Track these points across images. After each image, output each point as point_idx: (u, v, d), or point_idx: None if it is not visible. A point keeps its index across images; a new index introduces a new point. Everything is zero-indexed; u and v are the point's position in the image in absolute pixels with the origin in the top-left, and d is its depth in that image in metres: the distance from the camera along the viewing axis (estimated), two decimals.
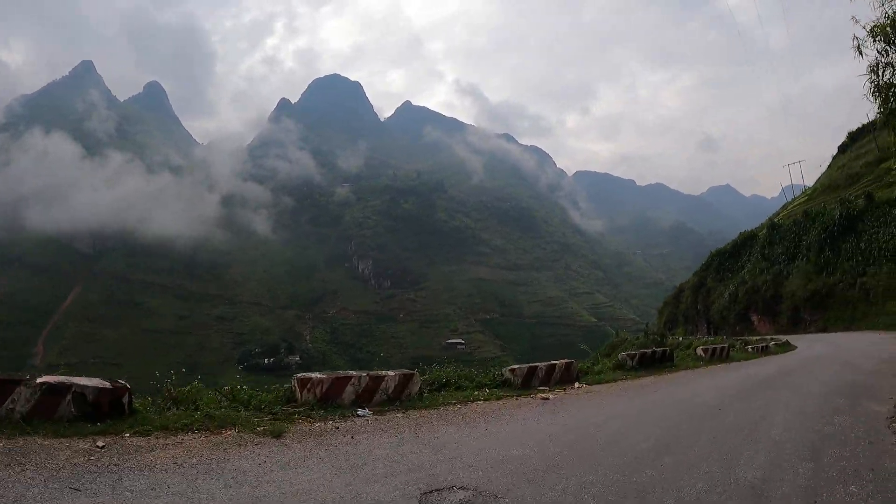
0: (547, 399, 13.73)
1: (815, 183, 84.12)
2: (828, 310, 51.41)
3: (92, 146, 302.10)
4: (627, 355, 21.28)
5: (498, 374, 15.96)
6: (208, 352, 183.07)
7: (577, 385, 16.33)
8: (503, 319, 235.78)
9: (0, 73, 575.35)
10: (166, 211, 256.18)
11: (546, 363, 16.80)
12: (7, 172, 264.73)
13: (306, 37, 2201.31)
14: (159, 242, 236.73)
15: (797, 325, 54.17)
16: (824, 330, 48.52)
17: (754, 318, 62.80)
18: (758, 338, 41.99)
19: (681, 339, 58.41)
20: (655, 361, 21.80)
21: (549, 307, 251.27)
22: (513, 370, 15.71)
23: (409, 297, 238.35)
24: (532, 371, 15.91)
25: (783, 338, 38.21)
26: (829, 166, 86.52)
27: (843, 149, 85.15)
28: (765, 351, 30.33)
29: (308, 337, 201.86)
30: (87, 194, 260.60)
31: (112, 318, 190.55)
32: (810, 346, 34.10)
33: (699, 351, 25.38)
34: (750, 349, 30.43)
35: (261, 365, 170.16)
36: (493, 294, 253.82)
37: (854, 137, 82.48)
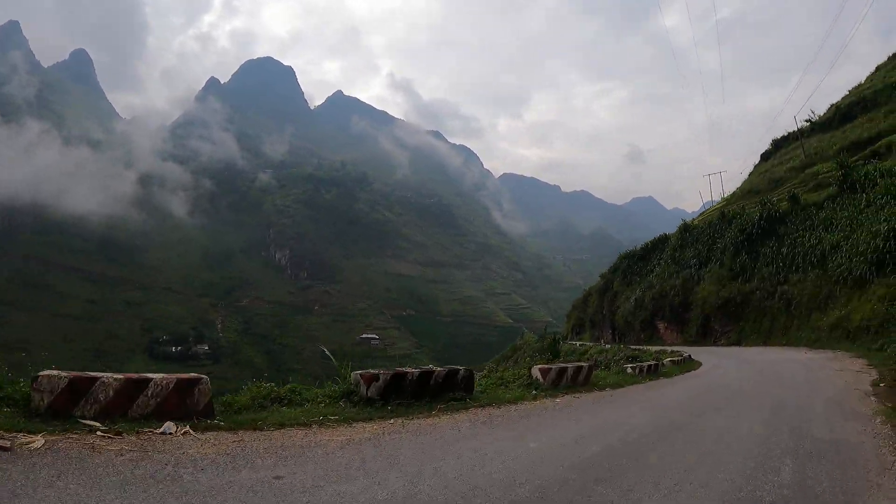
0: None
1: (736, 189, 77.90)
2: (742, 320, 45.61)
3: (9, 112, 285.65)
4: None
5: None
6: (117, 339, 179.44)
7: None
8: (419, 316, 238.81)
9: None
10: (82, 187, 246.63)
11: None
12: None
13: (244, 17, 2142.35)
14: (73, 220, 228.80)
15: (707, 336, 49.35)
16: (737, 343, 44.12)
17: (661, 325, 57.55)
18: (657, 349, 38.33)
19: (578, 344, 55.72)
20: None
21: (467, 306, 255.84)
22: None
23: (325, 289, 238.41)
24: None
25: (686, 351, 32.90)
26: (751, 174, 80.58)
27: (766, 157, 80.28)
28: (653, 372, 22.41)
29: (220, 326, 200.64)
30: (1, 164, 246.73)
31: (20, 301, 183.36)
32: (720, 364, 27.31)
33: (535, 372, 16.91)
34: (630, 370, 22.17)
35: (168, 354, 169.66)
36: (410, 290, 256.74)
37: (778, 145, 77.50)
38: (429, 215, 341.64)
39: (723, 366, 26.68)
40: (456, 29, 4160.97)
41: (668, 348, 38.76)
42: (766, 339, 41.57)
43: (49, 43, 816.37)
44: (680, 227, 65.89)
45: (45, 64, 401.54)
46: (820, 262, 39.58)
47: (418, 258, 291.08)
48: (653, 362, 24.17)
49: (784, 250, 44.82)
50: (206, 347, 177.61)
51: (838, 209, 43.55)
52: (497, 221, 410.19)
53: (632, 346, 43.26)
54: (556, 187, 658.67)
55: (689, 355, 29.78)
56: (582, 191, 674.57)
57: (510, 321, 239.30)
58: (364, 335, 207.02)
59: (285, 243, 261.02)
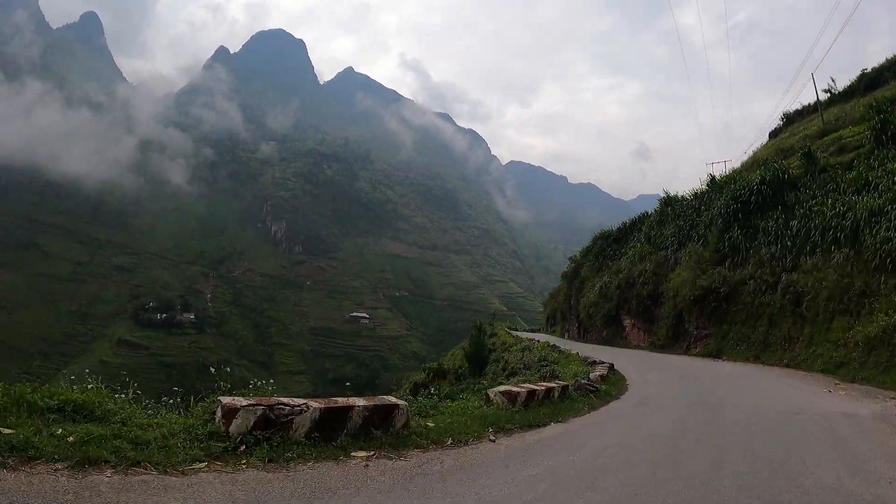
0: None
1: (738, 167, 54.91)
2: (727, 322, 31.76)
3: (11, 72, 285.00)
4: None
5: None
6: (102, 303, 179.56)
7: None
8: (413, 299, 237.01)
9: None
10: (79, 149, 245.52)
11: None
12: None
13: None
14: (67, 182, 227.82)
15: (678, 340, 36.10)
16: (717, 354, 30.77)
17: (627, 322, 45.00)
18: (592, 355, 26.82)
19: (524, 336, 47.50)
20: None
21: (461, 291, 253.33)
22: None
23: (318, 264, 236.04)
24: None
25: (603, 364, 21.97)
26: (756, 151, 56.41)
27: (774, 134, 55.55)
28: (551, 401, 13.97)
29: (209, 296, 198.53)
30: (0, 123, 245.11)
31: (7, 259, 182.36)
32: (661, 405, 15.11)
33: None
34: (502, 398, 12.98)
35: (153, 320, 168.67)
36: (405, 272, 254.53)
37: (790, 119, 60.69)
38: (431, 197, 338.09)
39: (666, 409, 14.32)
40: (469, 13, 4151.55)
41: (600, 359, 23.91)
42: (759, 353, 27.80)
43: (61, 6, 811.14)
44: (661, 200, 50.78)
45: (55, 25, 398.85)
46: (850, 238, 25.58)
47: (417, 240, 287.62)
48: (557, 385, 15.06)
49: (794, 224, 29.79)
50: (192, 317, 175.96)
51: (877, 165, 29.54)
52: (500, 208, 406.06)
53: (560, 350, 30.72)
54: (563, 178, 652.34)
55: (612, 364, 22.14)
56: (588, 184, 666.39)
57: (504, 309, 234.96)
58: (354, 314, 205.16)
59: (282, 216, 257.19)
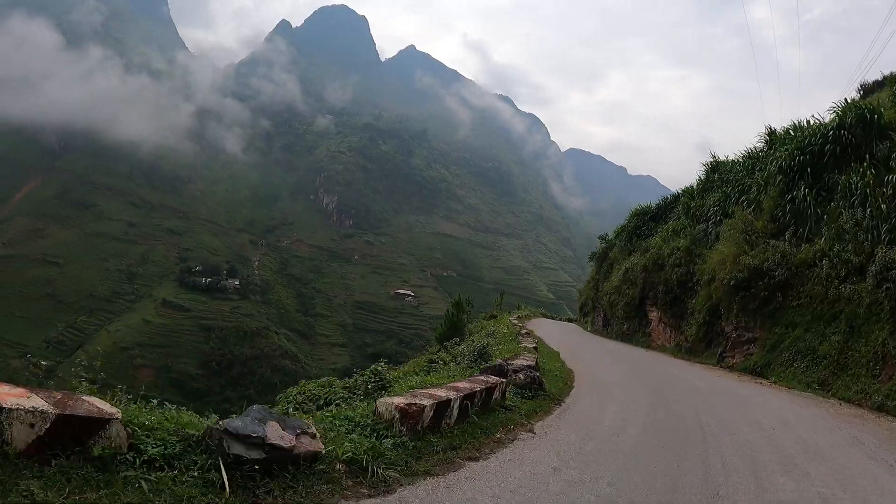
0: None
1: None
2: (781, 323, 22.12)
3: (73, 38, 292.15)
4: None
5: None
6: (151, 263, 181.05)
7: None
8: (460, 279, 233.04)
9: None
10: (137, 114, 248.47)
11: None
12: None
13: None
14: (123, 146, 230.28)
15: (711, 344, 27.33)
16: (759, 373, 21.50)
17: (652, 314, 35.68)
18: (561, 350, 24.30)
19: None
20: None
21: (510, 276, 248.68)
22: None
23: (367, 239, 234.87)
24: None
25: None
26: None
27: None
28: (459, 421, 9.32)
29: (256, 263, 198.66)
30: (61, 87, 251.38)
31: (63, 217, 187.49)
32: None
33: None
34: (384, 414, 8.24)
35: (198, 284, 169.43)
36: (455, 252, 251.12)
37: (867, 91, 39.58)
38: (486, 179, 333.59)
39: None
40: None
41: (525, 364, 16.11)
42: (830, 379, 17.73)
43: None
44: (707, 165, 38.33)
45: None
46: None
47: (469, 221, 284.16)
48: (479, 388, 10.19)
49: (893, 179, 19.09)
50: (237, 283, 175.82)
51: None
52: (555, 194, 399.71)
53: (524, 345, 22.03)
54: (623, 169, 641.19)
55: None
56: (648, 176, 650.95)
57: (552, 297, 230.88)
58: (399, 290, 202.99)
59: (334, 189, 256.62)
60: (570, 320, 72.68)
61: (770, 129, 32.67)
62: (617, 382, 17.33)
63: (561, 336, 36.69)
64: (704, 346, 27.57)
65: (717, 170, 37.29)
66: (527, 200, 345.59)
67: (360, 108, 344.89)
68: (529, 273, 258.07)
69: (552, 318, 76.57)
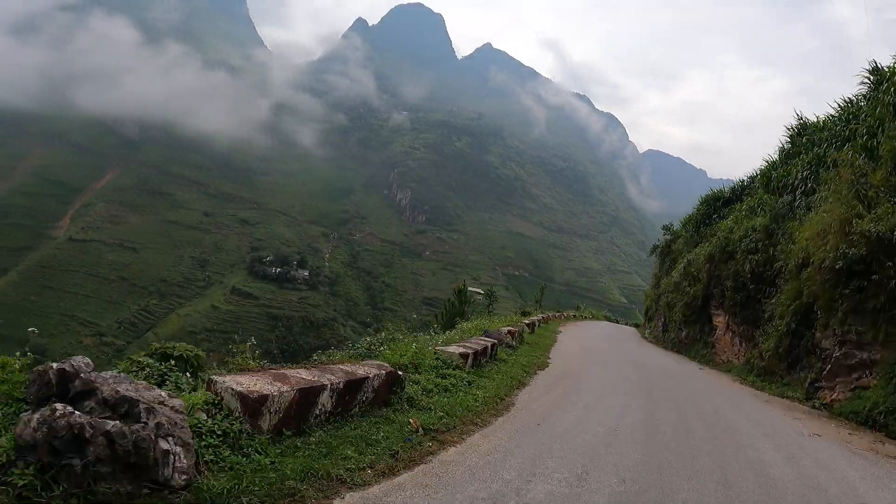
0: None
1: None
2: None
3: (152, 35, 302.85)
4: None
5: None
6: (223, 252, 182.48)
7: None
8: (531, 279, 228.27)
9: None
10: (214, 108, 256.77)
11: None
12: (65, 50, 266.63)
13: None
14: (200, 138, 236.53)
15: (796, 365, 17.95)
16: (880, 424, 12.40)
17: (718, 319, 27.27)
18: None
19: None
20: None
21: (582, 277, 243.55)
22: None
23: (439, 235, 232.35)
24: None
25: None
26: None
27: None
28: None
29: (327, 255, 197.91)
30: (140, 82, 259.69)
31: (140, 205, 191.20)
32: None
33: None
34: None
35: (268, 273, 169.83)
36: (527, 251, 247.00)
37: None
38: (561, 178, 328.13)
39: None
40: None
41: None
42: None
43: None
44: (792, 129, 28.44)
45: None
46: None
47: (542, 220, 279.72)
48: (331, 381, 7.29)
49: None
50: (306, 273, 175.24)
51: None
52: (631, 196, 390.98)
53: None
54: (703, 172, 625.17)
55: None
56: (729, 179, 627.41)
57: (624, 301, 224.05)
58: (470, 288, 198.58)
59: (407, 185, 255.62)
60: (636, 325, 67.13)
61: (875, 65, 21.73)
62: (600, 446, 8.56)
63: (591, 344, 28.88)
64: (786, 367, 18.42)
65: (804, 132, 27.12)
66: (602, 201, 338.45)
67: (435, 104, 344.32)
68: (602, 276, 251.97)
69: (617, 323, 72.92)
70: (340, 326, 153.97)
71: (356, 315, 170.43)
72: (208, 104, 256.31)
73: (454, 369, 11.81)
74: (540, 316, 38.84)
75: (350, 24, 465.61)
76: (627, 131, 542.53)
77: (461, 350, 12.94)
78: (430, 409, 8.90)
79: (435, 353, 12.38)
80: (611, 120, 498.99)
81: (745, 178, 35.60)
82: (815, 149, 23.62)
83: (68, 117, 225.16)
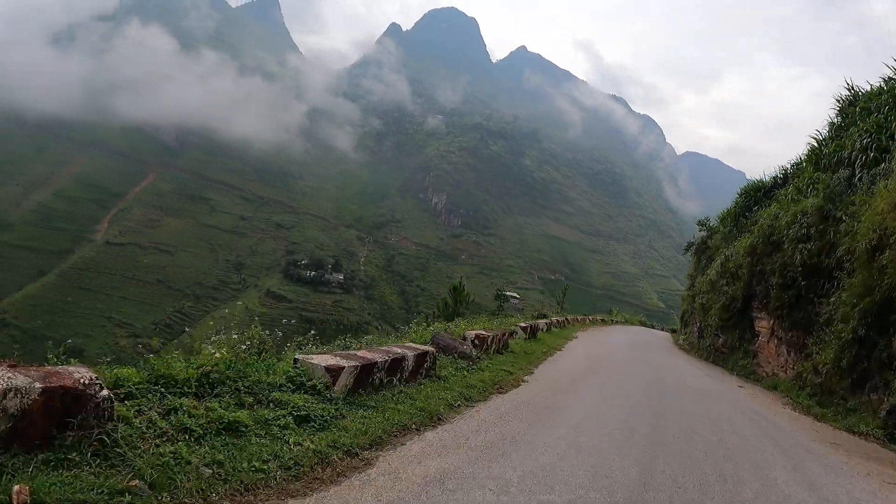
0: None
1: None
2: None
3: (188, 43, 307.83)
4: None
5: None
6: (258, 255, 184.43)
7: None
8: (567, 283, 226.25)
9: None
10: (250, 114, 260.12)
11: None
12: (103, 59, 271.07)
13: None
14: (237, 143, 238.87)
15: (865, 386, 13.13)
16: None
17: (761, 323, 22.51)
18: None
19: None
20: None
21: (620, 281, 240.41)
22: None
23: (475, 239, 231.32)
24: None
25: None
26: None
27: None
28: None
29: (362, 259, 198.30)
30: (177, 88, 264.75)
31: (177, 209, 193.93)
32: None
33: None
34: None
35: (303, 276, 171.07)
36: (563, 255, 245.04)
37: None
38: (597, 181, 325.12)
39: None
40: None
41: None
42: None
43: None
44: (842, 101, 23.58)
45: (234, 4, 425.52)
46: None
47: (579, 223, 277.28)
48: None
49: None
50: (341, 277, 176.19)
51: None
52: (669, 198, 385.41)
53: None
54: (741, 173, 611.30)
55: None
56: None
57: (662, 306, 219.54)
58: (505, 292, 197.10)
59: (443, 188, 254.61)
60: (672, 331, 63.95)
61: None
62: None
63: (607, 353, 24.58)
64: (851, 385, 13.85)
65: (855, 102, 22.65)
66: (639, 204, 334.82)
67: (470, 108, 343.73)
68: (640, 280, 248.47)
69: (652, 328, 68.85)
70: (374, 330, 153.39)
71: (390, 319, 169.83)
72: (245, 110, 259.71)
73: (306, 393, 7.66)
74: (554, 318, 35.60)
75: (384, 30, 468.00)
76: (665, 133, 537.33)
77: (333, 363, 8.35)
78: None
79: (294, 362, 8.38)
80: (647, 121, 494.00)
81: (788, 165, 30.11)
82: (874, 115, 19.65)
83: (108, 124, 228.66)
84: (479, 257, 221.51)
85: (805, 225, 18.82)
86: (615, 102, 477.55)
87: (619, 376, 17.05)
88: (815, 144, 24.38)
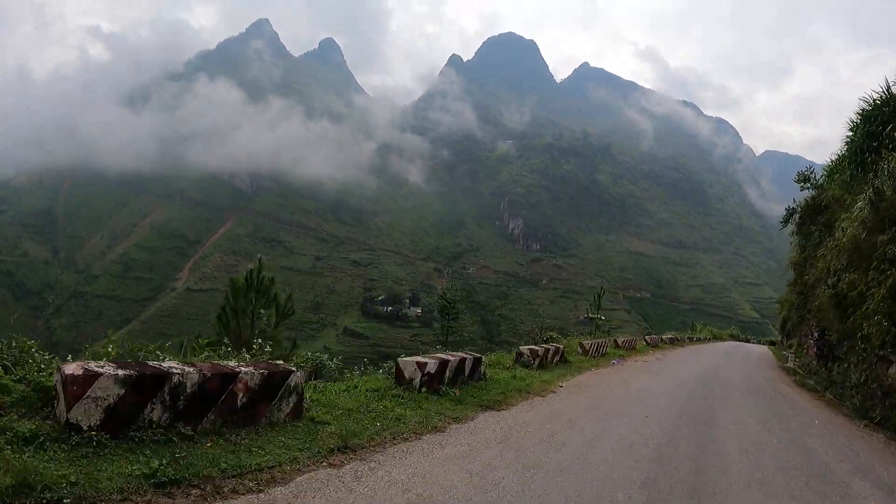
0: None
1: None
2: None
3: (255, 93, 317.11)
4: None
5: None
6: (335, 294, 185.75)
7: None
8: (654, 300, 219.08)
9: (183, 32, 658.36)
10: (320, 155, 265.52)
11: None
12: (177, 115, 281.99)
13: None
14: (309, 184, 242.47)
15: None
16: None
17: None
18: None
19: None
20: None
21: (709, 294, 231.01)
22: None
23: (555, 262, 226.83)
24: None
25: None
26: None
27: None
28: None
29: (440, 291, 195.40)
30: (248, 136, 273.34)
31: (254, 253, 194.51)
32: None
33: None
34: None
35: (380, 312, 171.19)
36: (648, 271, 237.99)
37: None
38: (676, 191, 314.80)
39: None
40: None
41: None
42: None
43: (299, 37, 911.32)
44: None
45: (296, 54, 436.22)
46: None
47: (661, 237, 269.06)
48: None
49: None
50: (419, 311, 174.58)
51: None
52: (753, 202, 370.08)
53: None
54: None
55: None
56: None
57: (756, 315, 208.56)
58: (590, 315, 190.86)
59: (519, 213, 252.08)
60: (771, 343, 56.24)
61: None
62: None
63: (636, 410, 13.38)
64: None
65: None
66: (722, 210, 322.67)
67: (539, 129, 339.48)
68: (730, 290, 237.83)
69: (747, 342, 65.74)
70: None
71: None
72: (315, 152, 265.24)
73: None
74: (554, 346, 23.50)
75: (445, 62, 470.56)
76: (742, 135, 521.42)
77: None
78: None
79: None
80: (720, 124, 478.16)
81: None
82: None
83: (184, 175, 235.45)
84: (560, 280, 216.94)
85: None
86: (686, 108, 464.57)
87: None
88: None
